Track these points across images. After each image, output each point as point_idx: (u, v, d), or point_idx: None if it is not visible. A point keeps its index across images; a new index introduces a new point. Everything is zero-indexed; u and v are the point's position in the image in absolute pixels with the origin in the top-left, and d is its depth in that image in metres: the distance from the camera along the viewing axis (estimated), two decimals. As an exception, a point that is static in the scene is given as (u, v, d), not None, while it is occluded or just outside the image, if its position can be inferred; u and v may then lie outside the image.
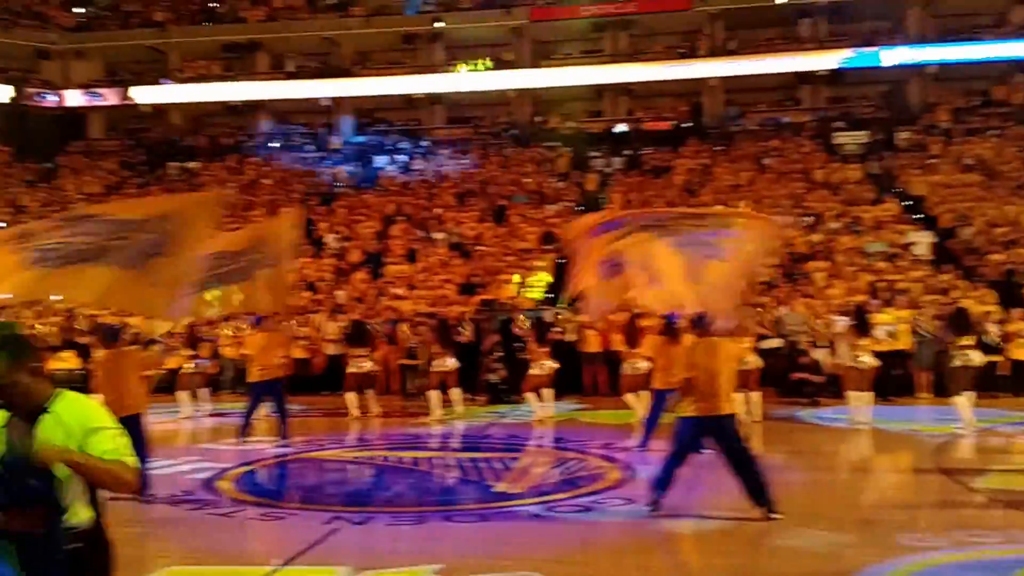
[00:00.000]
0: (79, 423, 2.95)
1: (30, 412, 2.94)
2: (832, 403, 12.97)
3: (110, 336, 8.36)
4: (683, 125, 28.38)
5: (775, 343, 14.20)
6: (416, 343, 15.01)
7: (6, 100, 29.43)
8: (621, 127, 29.15)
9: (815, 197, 22.34)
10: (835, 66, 27.87)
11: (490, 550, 6.43)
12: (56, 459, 2.82)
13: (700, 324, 7.36)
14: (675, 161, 25.75)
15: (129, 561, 3.47)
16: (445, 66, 30.14)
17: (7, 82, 29.48)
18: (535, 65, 29.85)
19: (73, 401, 3.02)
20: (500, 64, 29.94)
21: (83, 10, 32.21)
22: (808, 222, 20.76)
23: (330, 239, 22.73)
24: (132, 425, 7.81)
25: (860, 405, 11.47)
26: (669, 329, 9.82)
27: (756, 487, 7.01)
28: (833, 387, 13.14)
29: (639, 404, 11.25)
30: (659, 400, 9.86)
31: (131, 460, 2.98)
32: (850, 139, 26.25)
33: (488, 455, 10.24)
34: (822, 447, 10.86)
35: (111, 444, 2.96)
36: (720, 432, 7.10)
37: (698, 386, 7.03)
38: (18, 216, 24.68)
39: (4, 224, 24.18)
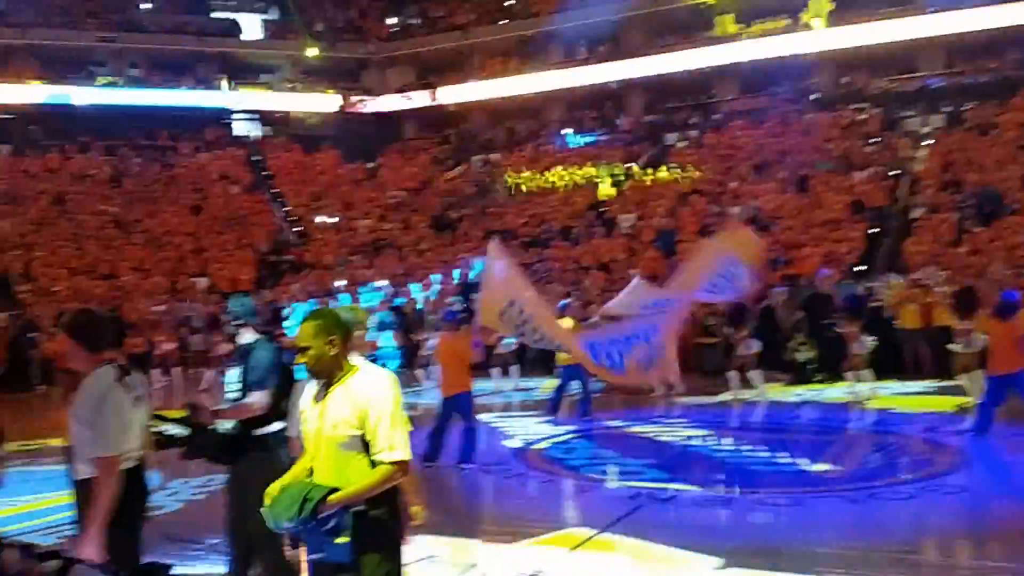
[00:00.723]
0: (365, 399, 3.26)
1: (328, 382, 3.33)
2: None
3: (450, 320, 9.20)
4: (1012, 75, 25.08)
5: None
6: (714, 321, 14.65)
7: (335, 108, 32.72)
8: (938, 82, 26.43)
9: None
10: None
11: (806, 535, 6.10)
12: (336, 507, 3.18)
13: None
14: (1003, 116, 22.89)
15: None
16: (738, 35, 29.08)
17: (335, 92, 32.79)
18: (837, 24, 27.89)
19: (367, 377, 3.34)
20: (795, 27, 28.33)
21: (395, 20, 34.97)
22: None
23: (622, 219, 22.85)
24: (462, 402, 8.52)
25: None
26: (1006, 307, 8.72)
27: None
28: None
29: (973, 385, 10.10)
30: (998, 386, 8.79)
31: (400, 454, 3.25)
32: None
33: (798, 436, 9.74)
34: None
35: (385, 441, 3.24)
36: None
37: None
38: (347, 211, 27.43)
39: (337, 218, 27.03)
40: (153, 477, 4.45)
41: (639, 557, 5.74)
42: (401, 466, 3.25)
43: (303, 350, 3.35)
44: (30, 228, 24.00)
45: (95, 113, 29.05)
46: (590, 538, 6.11)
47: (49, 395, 15.25)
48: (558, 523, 6.70)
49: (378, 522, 3.26)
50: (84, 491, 3.74)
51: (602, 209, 24.12)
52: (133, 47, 30.75)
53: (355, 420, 3.25)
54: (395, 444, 3.24)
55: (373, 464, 3.24)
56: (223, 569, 4.65)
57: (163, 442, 4.21)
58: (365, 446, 3.25)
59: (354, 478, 3.24)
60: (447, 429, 8.67)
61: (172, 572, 3.30)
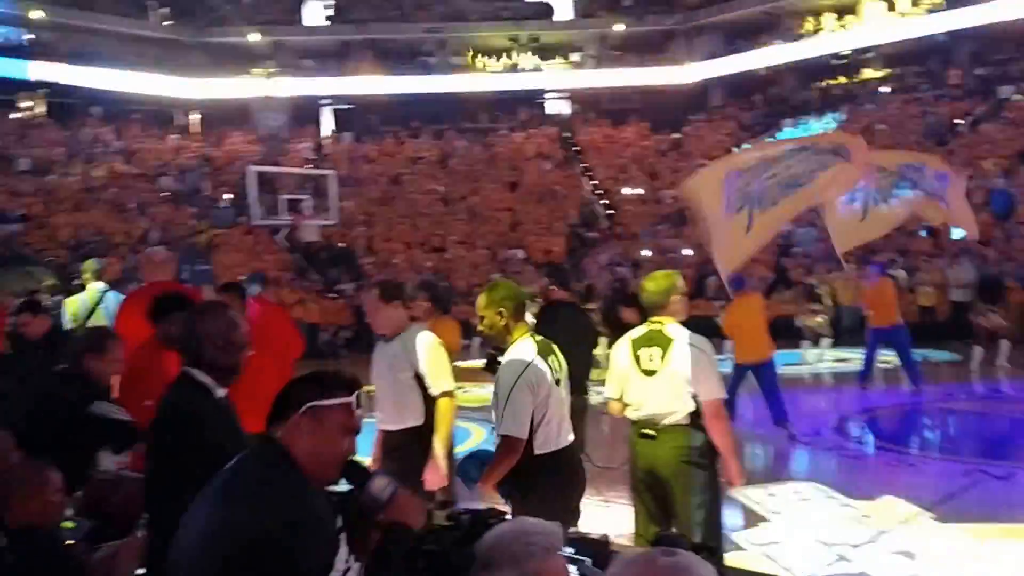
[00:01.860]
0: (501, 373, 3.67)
1: (502, 349, 3.76)
2: None
3: (737, 284, 8.99)
4: None
5: None
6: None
7: (642, 82, 33.01)
8: None
9: None
10: None
11: None
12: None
13: None
14: None
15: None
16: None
17: (642, 65, 33.06)
18: None
19: (511, 352, 3.70)
20: None
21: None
22: None
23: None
24: (764, 370, 8.40)
25: None
26: None
27: None
28: None
29: None
30: None
31: (504, 429, 3.61)
32: None
33: None
34: None
35: (497, 419, 3.69)
36: None
37: None
38: (653, 182, 27.77)
39: (643, 190, 27.48)
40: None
41: (975, 535, 5.51)
42: (507, 440, 3.58)
43: (480, 319, 3.77)
44: (371, 207, 26.89)
45: (424, 100, 31.75)
46: (919, 514, 5.94)
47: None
48: (880, 496, 6.56)
49: None
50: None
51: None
52: (456, 36, 33.15)
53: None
54: (504, 419, 3.58)
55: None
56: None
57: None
58: None
59: None
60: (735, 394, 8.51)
61: None
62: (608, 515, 5.73)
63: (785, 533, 5.68)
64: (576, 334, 5.83)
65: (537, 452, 3.62)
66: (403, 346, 4.31)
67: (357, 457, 2.23)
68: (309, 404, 2.11)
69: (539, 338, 3.78)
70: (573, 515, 3.75)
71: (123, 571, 2.84)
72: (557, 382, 3.71)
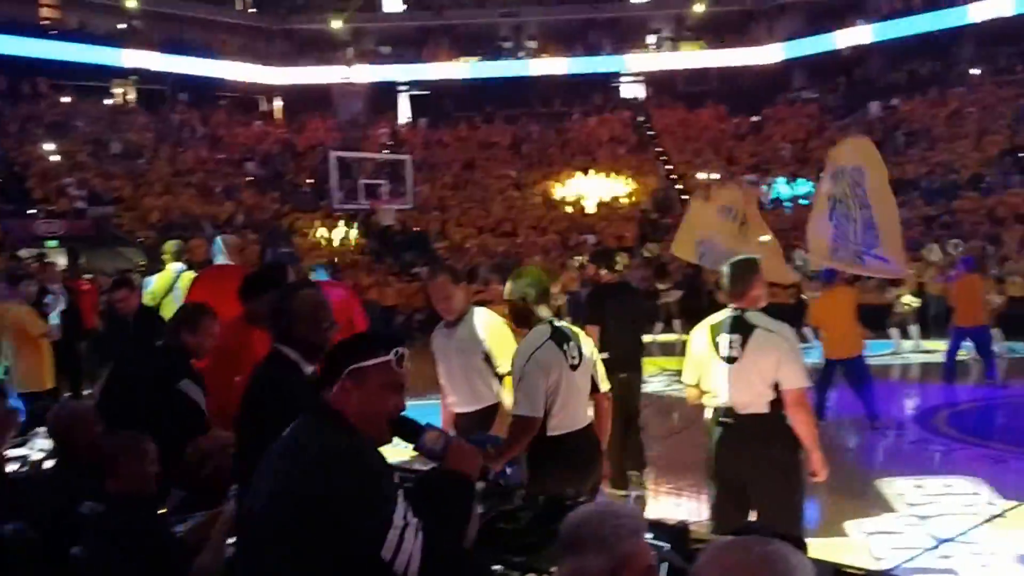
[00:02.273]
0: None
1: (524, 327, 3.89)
2: None
3: (827, 275, 8.77)
4: None
5: None
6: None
7: (720, 64, 32.41)
8: None
9: None
10: None
11: None
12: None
13: None
14: None
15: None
16: None
17: (720, 47, 32.44)
18: None
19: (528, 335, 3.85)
20: None
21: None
22: None
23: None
24: (851, 366, 8.26)
25: None
26: None
27: None
28: None
29: None
30: None
31: (516, 409, 3.81)
32: None
33: None
34: None
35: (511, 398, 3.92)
36: None
37: None
38: (730, 166, 27.31)
39: (719, 174, 27.03)
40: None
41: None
42: (519, 420, 3.68)
43: (506, 305, 3.91)
44: (444, 192, 27.13)
45: (498, 85, 31.80)
46: (1008, 511, 5.76)
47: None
48: (968, 492, 6.38)
49: None
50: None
51: (1021, 154, 21.45)
52: (531, 20, 33.07)
53: None
54: (517, 400, 3.71)
55: None
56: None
57: None
58: None
59: None
60: (828, 388, 8.47)
61: None
62: (678, 506, 5.73)
63: (903, 524, 5.61)
64: (625, 315, 6.19)
65: (550, 433, 3.71)
66: (468, 329, 4.40)
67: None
68: (351, 367, 2.19)
69: (560, 323, 3.86)
70: (590, 496, 3.80)
71: (214, 541, 2.95)
72: (574, 367, 3.76)
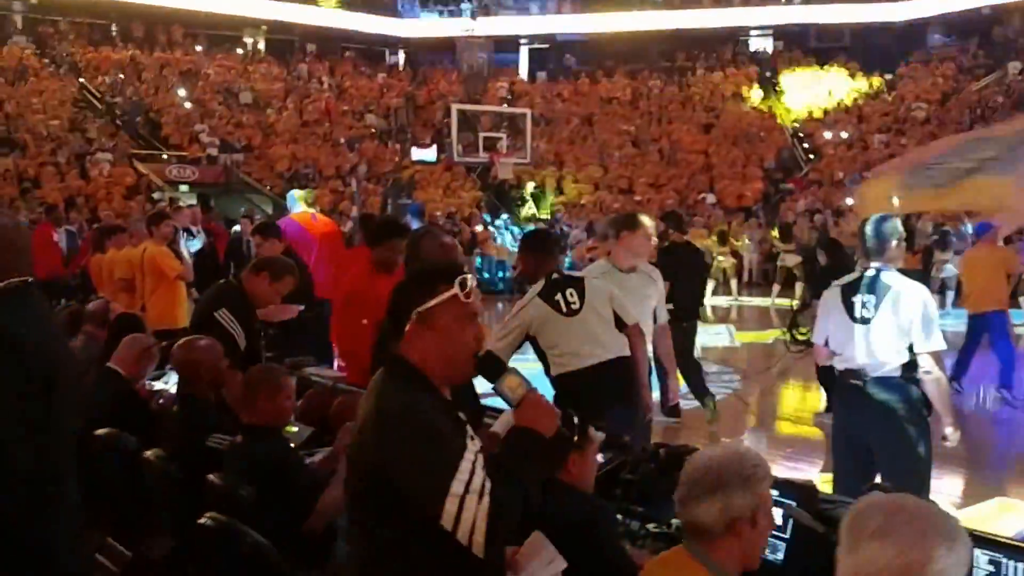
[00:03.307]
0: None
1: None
2: None
3: (982, 228, 8.56)
4: None
5: None
6: None
7: (855, 19, 30.91)
8: None
9: None
10: None
11: None
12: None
13: None
14: None
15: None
16: None
17: (852, 1, 30.86)
18: None
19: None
20: None
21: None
22: None
23: None
24: (994, 321, 7.98)
25: None
26: None
27: None
28: None
29: None
30: None
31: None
32: None
33: None
34: None
35: None
36: None
37: None
38: (860, 126, 26.15)
39: (848, 134, 25.92)
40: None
41: None
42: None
43: (517, 262, 4.24)
44: (561, 147, 26.98)
45: (620, 39, 31.22)
46: None
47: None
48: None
49: None
50: None
51: None
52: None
53: None
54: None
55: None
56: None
57: None
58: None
59: None
60: (973, 351, 8.15)
61: None
62: (792, 472, 5.62)
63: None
64: (687, 271, 7.09)
65: (553, 374, 4.02)
66: (592, 284, 4.37)
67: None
68: (417, 309, 2.05)
69: (555, 277, 4.09)
70: (640, 419, 4.23)
71: (342, 474, 3.07)
72: (572, 313, 4.00)
